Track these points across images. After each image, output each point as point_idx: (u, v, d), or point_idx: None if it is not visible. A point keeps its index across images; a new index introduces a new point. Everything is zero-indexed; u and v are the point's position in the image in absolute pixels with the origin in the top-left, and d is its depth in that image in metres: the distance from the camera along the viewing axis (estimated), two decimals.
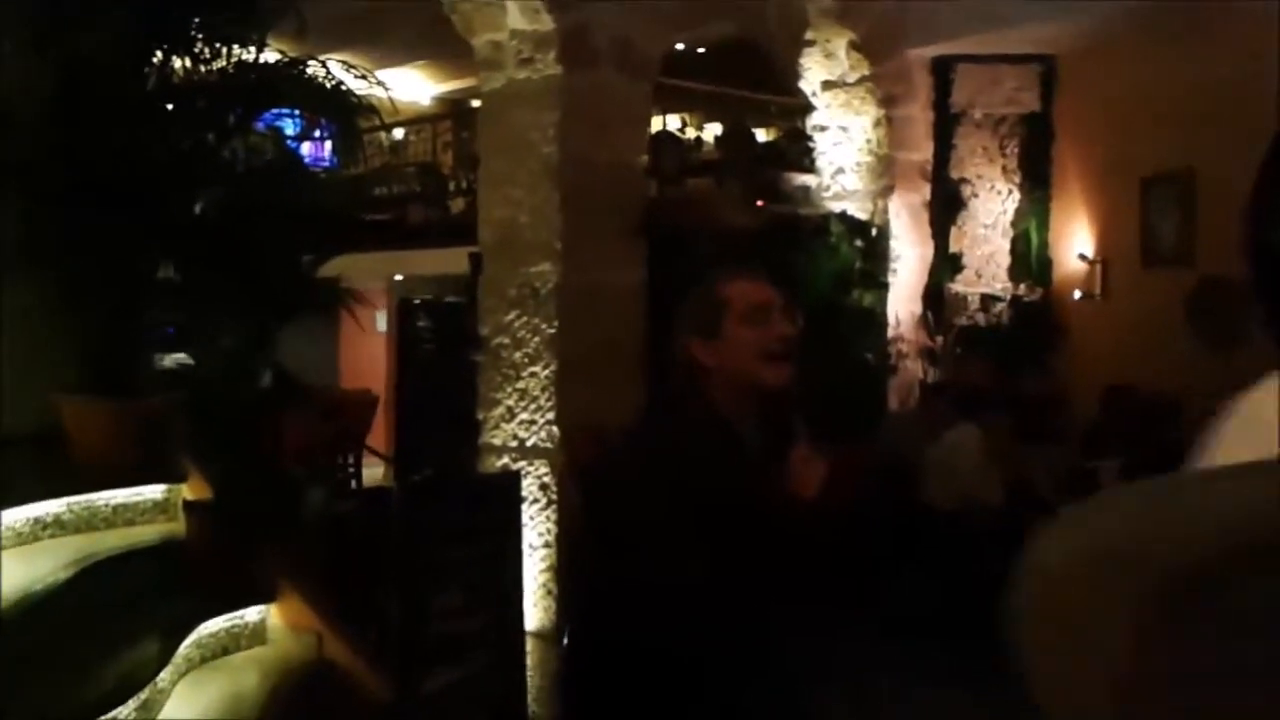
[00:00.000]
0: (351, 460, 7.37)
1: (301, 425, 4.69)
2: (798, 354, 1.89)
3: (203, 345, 4.22)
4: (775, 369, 1.87)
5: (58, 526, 3.40)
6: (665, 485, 1.77)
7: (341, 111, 4.20)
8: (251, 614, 3.39)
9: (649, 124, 5.91)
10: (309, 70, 3.99)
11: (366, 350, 9.95)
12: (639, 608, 1.80)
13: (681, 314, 1.96)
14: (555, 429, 5.02)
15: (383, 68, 12.62)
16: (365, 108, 4.19)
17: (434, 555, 3.43)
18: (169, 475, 3.71)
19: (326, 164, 6.34)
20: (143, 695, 2.78)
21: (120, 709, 2.68)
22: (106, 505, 3.55)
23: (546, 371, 5.06)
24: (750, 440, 1.89)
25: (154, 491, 3.66)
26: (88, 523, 3.49)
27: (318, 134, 4.87)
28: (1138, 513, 0.63)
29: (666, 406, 2.00)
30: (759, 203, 6.33)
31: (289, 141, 4.75)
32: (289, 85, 3.96)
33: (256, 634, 3.40)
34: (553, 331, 5.04)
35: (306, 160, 5.47)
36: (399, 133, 12.23)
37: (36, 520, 3.33)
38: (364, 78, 4.16)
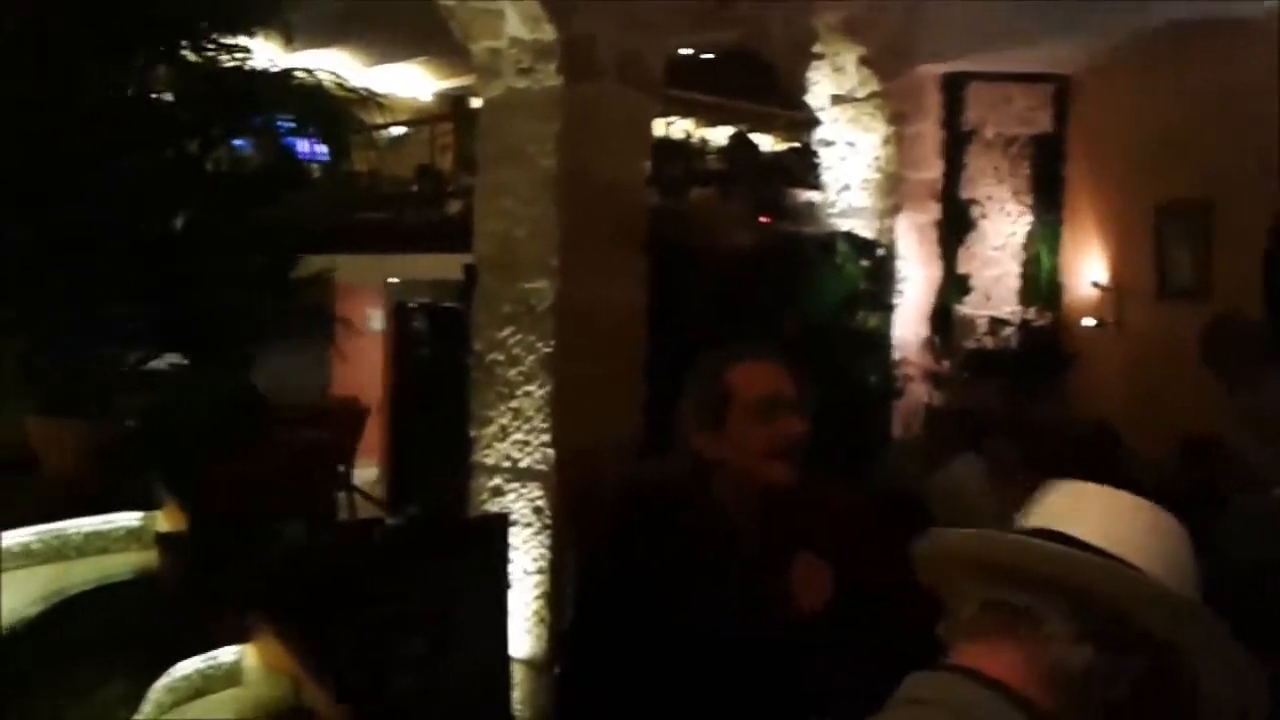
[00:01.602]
0: (343, 470, 7.24)
1: (283, 446, 4.54)
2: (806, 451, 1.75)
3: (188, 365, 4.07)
4: (783, 468, 1.74)
5: (26, 557, 3.24)
6: (652, 594, 1.66)
7: (328, 118, 4.07)
8: (227, 654, 3.23)
9: (651, 136, 5.75)
10: (295, 76, 3.85)
11: (361, 351, 9.80)
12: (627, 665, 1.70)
13: (686, 399, 1.82)
14: (551, 451, 4.86)
15: (383, 63, 12.53)
16: (351, 116, 4.06)
17: (414, 599, 3.28)
18: (144, 502, 3.56)
19: (324, 159, 6.20)
20: None
21: None
22: (78, 533, 3.38)
23: (542, 391, 4.90)
24: (752, 537, 1.76)
25: (128, 519, 3.50)
26: (58, 552, 3.32)
27: (310, 133, 4.74)
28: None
29: (668, 497, 1.85)
30: (763, 219, 6.19)
31: (286, 139, 4.61)
32: (274, 93, 3.81)
33: (232, 676, 3.24)
34: (549, 350, 4.88)
35: (303, 156, 5.32)
36: (398, 130, 12.10)
37: (2, 551, 3.17)
38: (351, 91, 4.03)
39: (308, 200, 4.52)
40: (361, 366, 9.84)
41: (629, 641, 1.71)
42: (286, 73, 3.84)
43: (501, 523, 4.14)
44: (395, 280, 9.92)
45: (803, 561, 1.77)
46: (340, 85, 4.10)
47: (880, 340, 6.12)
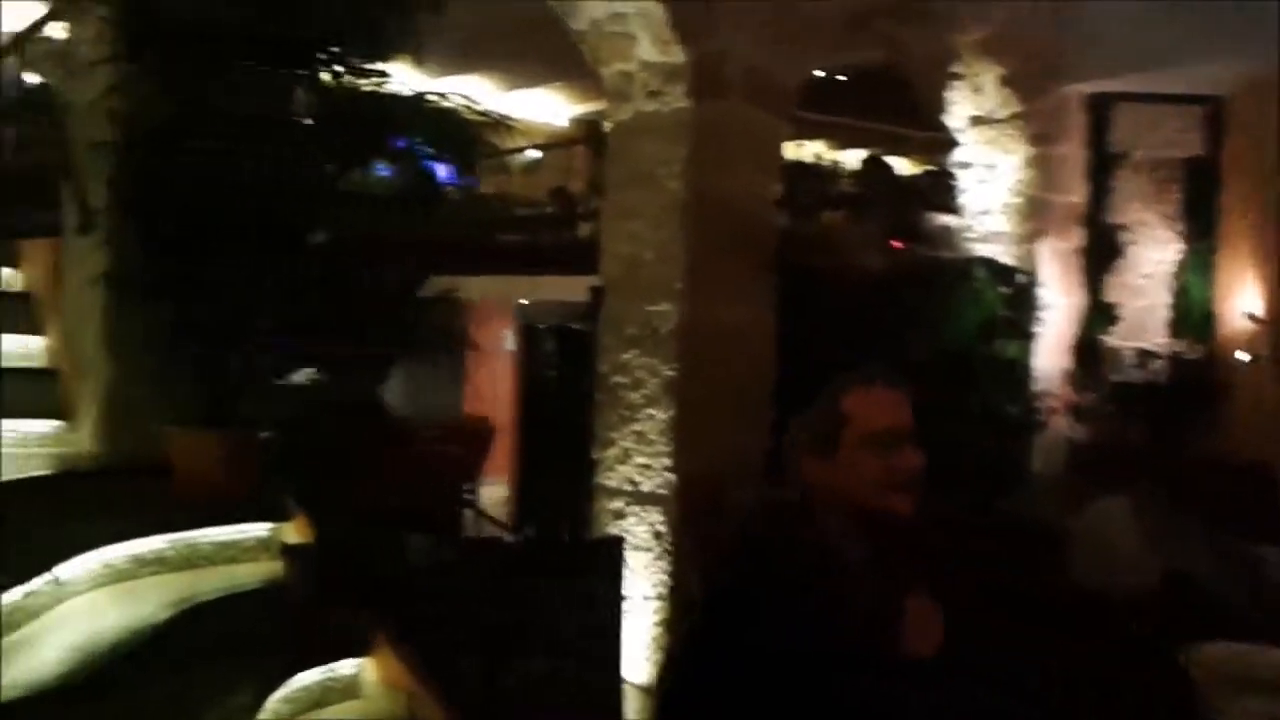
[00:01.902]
0: (468, 489, 7.32)
1: (411, 461, 4.60)
2: (923, 484, 1.64)
3: (321, 379, 4.16)
4: (896, 500, 1.63)
5: (159, 564, 3.35)
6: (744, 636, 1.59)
7: (457, 141, 4.13)
8: (345, 667, 3.27)
9: (781, 158, 5.66)
10: (428, 100, 3.92)
11: (493, 369, 9.96)
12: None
13: (799, 422, 1.73)
14: (672, 476, 4.81)
15: (519, 88, 12.76)
16: (480, 139, 4.13)
17: (527, 617, 3.27)
18: (273, 513, 3.64)
19: (457, 182, 6.29)
20: None
21: None
22: (208, 543, 3.48)
23: (665, 415, 4.85)
24: (861, 569, 1.65)
25: (257, 529, 3.59)
26: (189, 560, 3.42)
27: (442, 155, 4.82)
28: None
29: (776, 524, 1.75)
30: (897, 243, 6.03)
31: (425, 163, 4.70)
32: (407, 116, 3.89)
33: (350, 689, 3.27)
34: (672, 374, 4.83)
35: (443, 179, 5.40)
36: (535, 153, 12.30)
37: (137, 558, 3.28)
38: (483, 114, 4.08)
39: (438, 219, 4.60)
40: (495, 385, 10.00)
41: (724, 669, 1.63)
42: (419, 96, 3.91)
43: (616, 545, 4.11)
44: (524, 301, 10.04)
45: (915, 606, 1.65)
46: (471, 109, 4.15)
47: (1020, 370, 5.86)
